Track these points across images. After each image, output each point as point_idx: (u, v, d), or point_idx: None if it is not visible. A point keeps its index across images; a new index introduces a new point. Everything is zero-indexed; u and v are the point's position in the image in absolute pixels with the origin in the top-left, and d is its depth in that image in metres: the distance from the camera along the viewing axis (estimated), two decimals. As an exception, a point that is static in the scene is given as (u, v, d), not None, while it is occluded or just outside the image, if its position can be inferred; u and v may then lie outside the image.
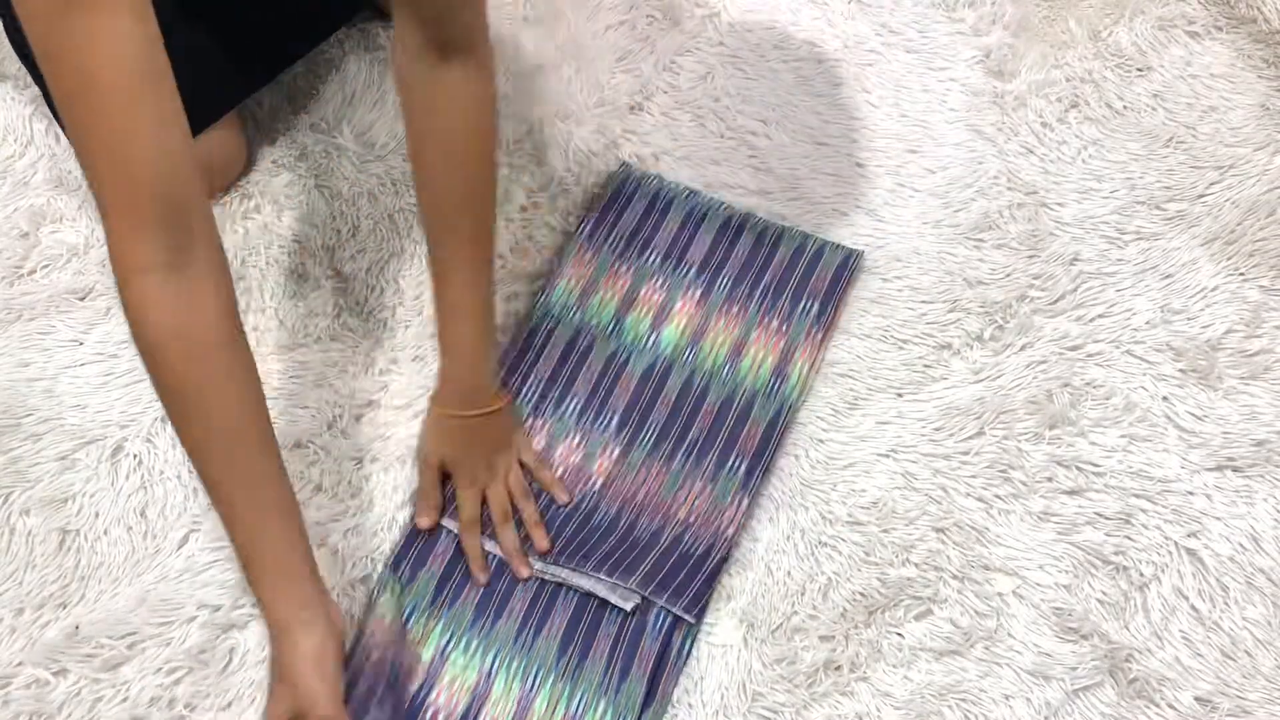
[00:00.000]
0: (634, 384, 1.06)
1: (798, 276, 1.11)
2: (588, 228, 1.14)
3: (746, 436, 1.03)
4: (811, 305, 1.09)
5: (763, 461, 1.02)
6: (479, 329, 0.97)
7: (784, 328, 1.09)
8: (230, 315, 0.78)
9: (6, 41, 1.25)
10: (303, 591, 0.84)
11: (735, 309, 1.10)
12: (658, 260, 1.12)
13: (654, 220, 1.14)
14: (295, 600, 0.84)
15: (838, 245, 1.12)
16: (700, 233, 1.13)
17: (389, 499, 1.02)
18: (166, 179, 0.71)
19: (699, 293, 1.11)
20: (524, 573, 0.97)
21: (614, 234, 1.13)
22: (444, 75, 0.87)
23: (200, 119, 0.95)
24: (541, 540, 0.98)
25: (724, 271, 1.12)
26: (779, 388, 1.06)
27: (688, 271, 1.12)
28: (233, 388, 0.79)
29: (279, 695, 0.85)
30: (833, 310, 1.09)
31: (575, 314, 1.09)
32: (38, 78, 1.12)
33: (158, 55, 0.70)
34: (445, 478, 1.00)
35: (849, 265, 1.11)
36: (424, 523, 0.99)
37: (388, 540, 1.00)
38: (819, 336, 1.08)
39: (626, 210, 1.15)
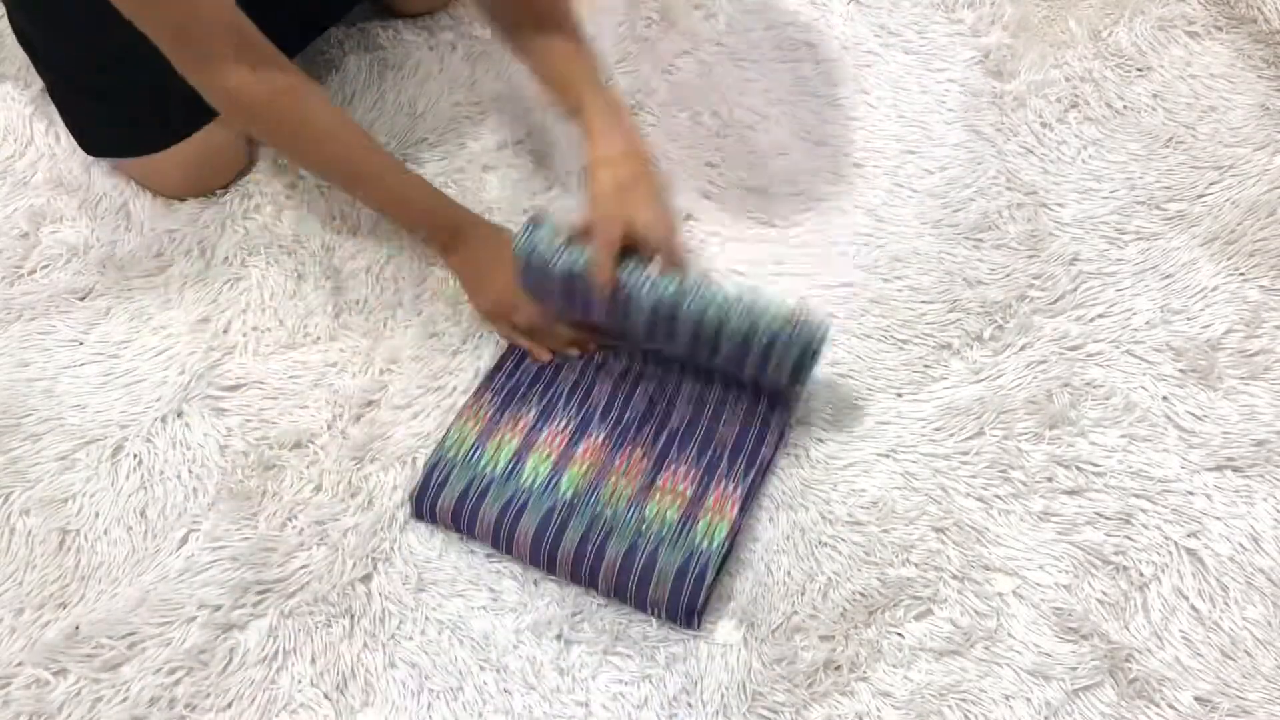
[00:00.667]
0: (529, 540, 0.97)
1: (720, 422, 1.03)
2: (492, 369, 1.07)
3: (655, 593, 0.95)
4: (723, 453, 1.01)
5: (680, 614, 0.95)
6: (609, 95, 1.02)
7: (694, 474, 1.00)
8: (297, 71, 0.97)
9: (6, 43, 1.25)
10: (455, 211, 1.06)
11: (641, 452, 1.02)
12: (564, 395, 1.05)
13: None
14: (464, 209, 1.06)
15: (794, 330, 0.93)
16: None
17: (388, 498, 1.02)
18: (229, 18, 0.91)
19: (602, 435, 1.03)
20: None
21: (520, 371, 1.07)
22: None
23: (203, 110, 0.96)
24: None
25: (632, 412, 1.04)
26: (686, 534, 0.97)
27: (594, 410, 1.04)
28: (323, 103, 0.99)
29: (498, 267, 1.02)
30: (758, 473, 1.01)
31: (473, 455, 1.02)
32: (40, 69, 1.12)
33: None
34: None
35: (782, 429, 1.02)
36: (609, 287, 0.95)
37: (388, 539, 1.00)
38: (734, 489, 0.99)
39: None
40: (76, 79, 1.10)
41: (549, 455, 1.02)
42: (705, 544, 0.97)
